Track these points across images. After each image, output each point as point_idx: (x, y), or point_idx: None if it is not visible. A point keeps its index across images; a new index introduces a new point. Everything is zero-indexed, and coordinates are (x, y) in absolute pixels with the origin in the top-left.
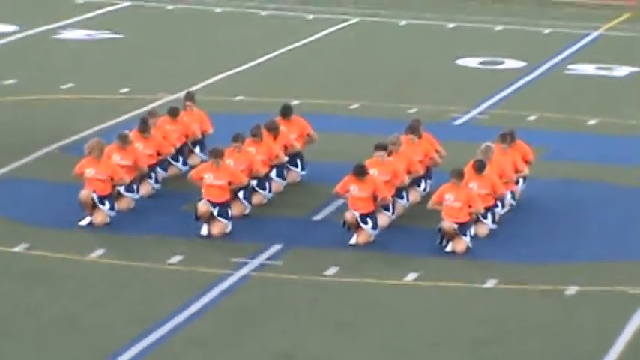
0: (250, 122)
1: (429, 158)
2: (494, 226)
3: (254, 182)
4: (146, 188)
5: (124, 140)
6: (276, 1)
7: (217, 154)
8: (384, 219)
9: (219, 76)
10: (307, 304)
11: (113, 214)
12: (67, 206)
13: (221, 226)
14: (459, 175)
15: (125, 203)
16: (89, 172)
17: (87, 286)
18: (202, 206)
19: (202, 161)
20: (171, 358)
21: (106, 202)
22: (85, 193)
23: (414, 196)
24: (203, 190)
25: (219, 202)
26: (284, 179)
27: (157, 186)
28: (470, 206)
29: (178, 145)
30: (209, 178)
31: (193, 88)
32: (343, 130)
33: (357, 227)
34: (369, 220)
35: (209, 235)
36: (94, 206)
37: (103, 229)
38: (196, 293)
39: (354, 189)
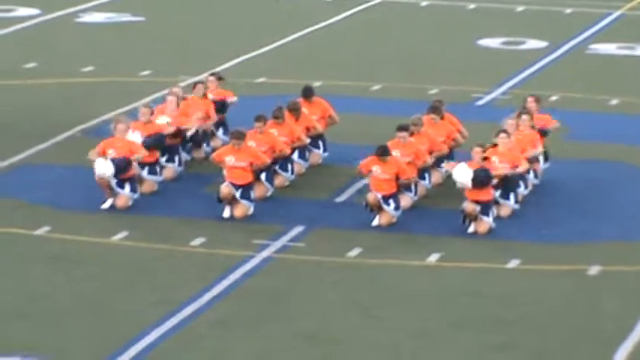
0: (272, 104)
1: (451, 139)
2: (516, 207)
3: (277, 164)
4: (169, 171)
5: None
6: None
7: (239, 136)
8: (406, 200)
9: (241, 59)
10: (330, 285)
11: (135, 196)
12: (89, 189)
13: (243, 208)
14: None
15: (148, 186)
16: (229, 160)
17: (109, 268)
18: (225, 188)
19: (224, 143)
20: (195, 340)
21: (126, 185)
22: (99, 175)
23: (437, 177)
24: (225, 172)
25: (241, 184)
26: (306, 161)
27: (180, 169)
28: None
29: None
30: (231, 160)
31: (216, 70)
32: (365, 111)
33: (380, 209)
34: (391, 201)
35: (231, 218)
36: (112, 188)
37: (125, 211)
38: (219, 275)
39: (377, 170)
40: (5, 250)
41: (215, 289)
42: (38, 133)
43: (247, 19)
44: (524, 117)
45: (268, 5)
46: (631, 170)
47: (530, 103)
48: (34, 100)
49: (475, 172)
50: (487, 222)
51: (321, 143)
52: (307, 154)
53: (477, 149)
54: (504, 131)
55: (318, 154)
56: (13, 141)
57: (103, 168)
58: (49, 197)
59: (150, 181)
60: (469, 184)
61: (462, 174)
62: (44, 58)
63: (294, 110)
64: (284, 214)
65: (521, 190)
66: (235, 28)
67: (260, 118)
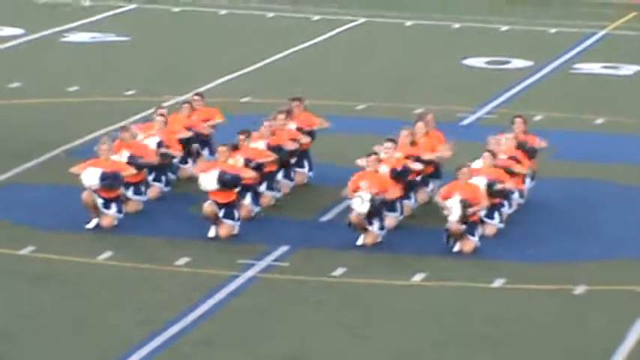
0: (258, 123)
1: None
2: (501, 226)
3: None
4: (154, 190)
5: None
6: (282, 2)
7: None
8: (391, 220)
9: (226, 78)
10: (314, 305)
11: (120, 216)
12: (73, 209)
13: (228, 228)
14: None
15: (133, 206)
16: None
17: (94, 288)
18: (207, 207)
19: None
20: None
21: (113, 205)
22: (86, 195)
23: (422, 196)
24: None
25: (224, 203)
26: (292, 180)
27: (166, 189)
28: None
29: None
30: None
31: (200, 90)
32: (350, 130)
33: (364, 229)
34: (375, 220)
35: (216, 237)
36: (97, 208)
37: (110, 231)
38: (204, 295)
39: (364, 184)
40: None
41: (200, 309)
42: (23, 152)
43: (232, 38)
44: (508, 135)
45: (253, 25)
46: (617, 189)
47: (519, 123)
48: (18, 119)
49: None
50: (472, 241)
51: (306, 162)
52: (292, 173)
53: (464, 169)
54: (489, 151)
55: (303, 174)
56: None
57: (91, 178)
58: (33, 217)
59: (135, 201)
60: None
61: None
62: (29, 78)
63: (287, 111)
64: (269, 234)
65: (506, 210)
66: (220, 47)
67: (244, 132)
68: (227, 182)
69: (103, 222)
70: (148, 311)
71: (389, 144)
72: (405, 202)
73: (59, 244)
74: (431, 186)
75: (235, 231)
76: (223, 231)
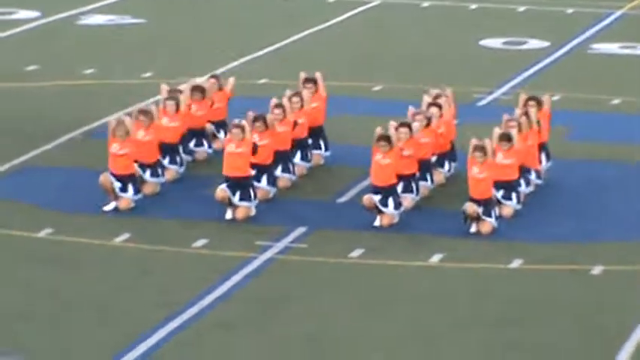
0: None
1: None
2: (519, 207)
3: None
4: (170, 173)
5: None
6: None
7: (238, 127)
8: (408, 200)
9: (242, 60)
10: (332, 286)
11: (137, 197)
12: (91, 191)
13: (244, 210)
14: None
15: (150, 188)
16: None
17: (112, 270)
18: (219, 192)
19: None
20: (197, 342)
21: (130, 187)
22: (103, 178)
23: (439, 177)
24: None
25: (240, 178)
26: (308, 162)
27: (182, 170)
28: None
29: None
30: (231, 147)
31: (217, 72)
32: (366, 112)
33: (379, 210)
34: (389, 201)
35: (233, 219)
36: (114, 190)
37: (127, 213)
38: (221, 277)
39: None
40: (7, 252)
41: (218, 291)
42: (40, 135)
43: (247, 20)
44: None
45: (268, 6)
46: (633, 169)
47: (531, 106)
48: (35, 102)
49: None
50: (490, 222)
51: (322, 143)
52: (309, 154)
53: (477, 154)
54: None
55: (319, 155)
56: (14, 143)
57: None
58: (50, 200)
59: (152, 183)
60: None
61: None
62: (45, 61)
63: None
64: (286, 216)
65: (523, 190)
66: (236, 29)
67: (259, 118)
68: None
69: (121, 204)
70: (165, 293)
71: (403, 129)
72: (422, 183)
73: (77, 227)
74: (447, 167)
75: (252, 212)
76: (240, 214)
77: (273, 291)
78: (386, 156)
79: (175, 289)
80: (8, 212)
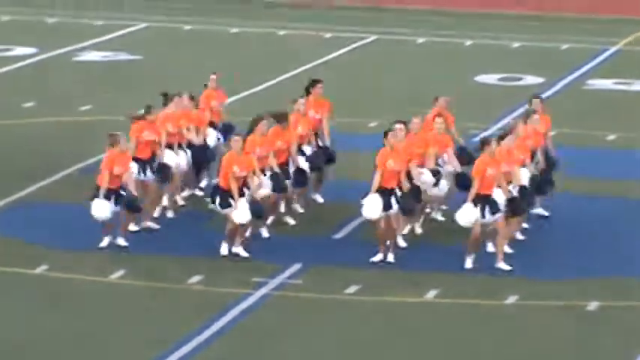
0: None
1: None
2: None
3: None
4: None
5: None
6: (293, 20)
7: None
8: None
9: (238, 96)
10: (328, 323)
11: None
12: (86, 228)
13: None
14: None
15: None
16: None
17: (107, 307)
18: (231, 224)
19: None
20: None
21: (112, 197)
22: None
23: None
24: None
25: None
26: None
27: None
28: None
29: None
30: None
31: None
32: (363, 148)
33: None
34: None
35: (229, 255)
36: (110, 224)
37: (123, 250)
38: (217, 313)
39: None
40: (3, 289)
41: (213, 327)
42: (36, 171)
43: (243, 57)
44: (534, 117)
45: (265, 43)
46: (629, 205)
47: (537, 104)
48: (31, 138)
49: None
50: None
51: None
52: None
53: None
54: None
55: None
56: (10, 179)
57: (101, 210)
58: (46, 236)
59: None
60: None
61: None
62: (42, 97)
63: (282, 119)
64: (282, 252)
65: (530, 167)
66: (232, 65)
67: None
68: (259, 211)
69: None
70: (160, 330)
71: (399, 125)
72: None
73: (73, 263)
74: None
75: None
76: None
77: (269, 327)
78: None
79: (171, 326)
80: (4, 249)
